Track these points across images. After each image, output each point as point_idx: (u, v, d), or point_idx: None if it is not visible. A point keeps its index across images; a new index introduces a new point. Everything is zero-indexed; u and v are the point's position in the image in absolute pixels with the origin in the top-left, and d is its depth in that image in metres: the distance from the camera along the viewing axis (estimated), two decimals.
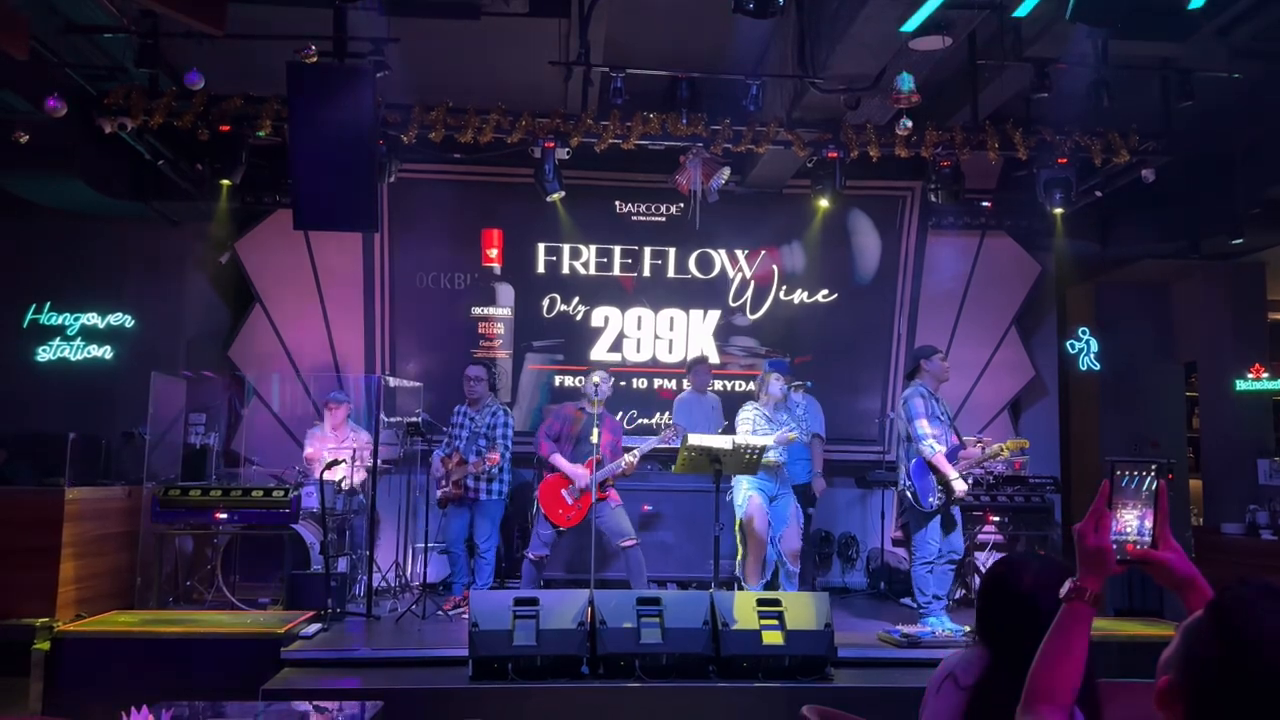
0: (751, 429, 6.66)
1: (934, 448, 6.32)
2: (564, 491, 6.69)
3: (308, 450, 7.71)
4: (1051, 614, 2.09)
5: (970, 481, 6.50)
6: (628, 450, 6.86)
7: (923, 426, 6.38)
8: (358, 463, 7.34)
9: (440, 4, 6.00)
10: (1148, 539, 1.65)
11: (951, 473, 6.29)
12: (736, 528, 6.82)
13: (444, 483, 7.13)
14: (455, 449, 7.18)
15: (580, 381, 7.68)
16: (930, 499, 6.33)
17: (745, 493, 6.69)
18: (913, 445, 6.44)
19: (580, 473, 6.60)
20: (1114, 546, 1.64)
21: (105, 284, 8.59)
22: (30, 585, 6.31)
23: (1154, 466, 1.67)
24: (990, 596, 2.25)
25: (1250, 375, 9.25)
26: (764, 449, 6.40)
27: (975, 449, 6.47)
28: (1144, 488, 1.66)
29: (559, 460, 6.72)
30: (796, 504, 6.88)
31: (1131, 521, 1.66)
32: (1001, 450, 6.39)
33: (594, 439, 6.42)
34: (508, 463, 7.25)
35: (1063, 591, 1.66)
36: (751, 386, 8.12)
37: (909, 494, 6.42)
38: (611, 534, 6.58)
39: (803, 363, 8.74)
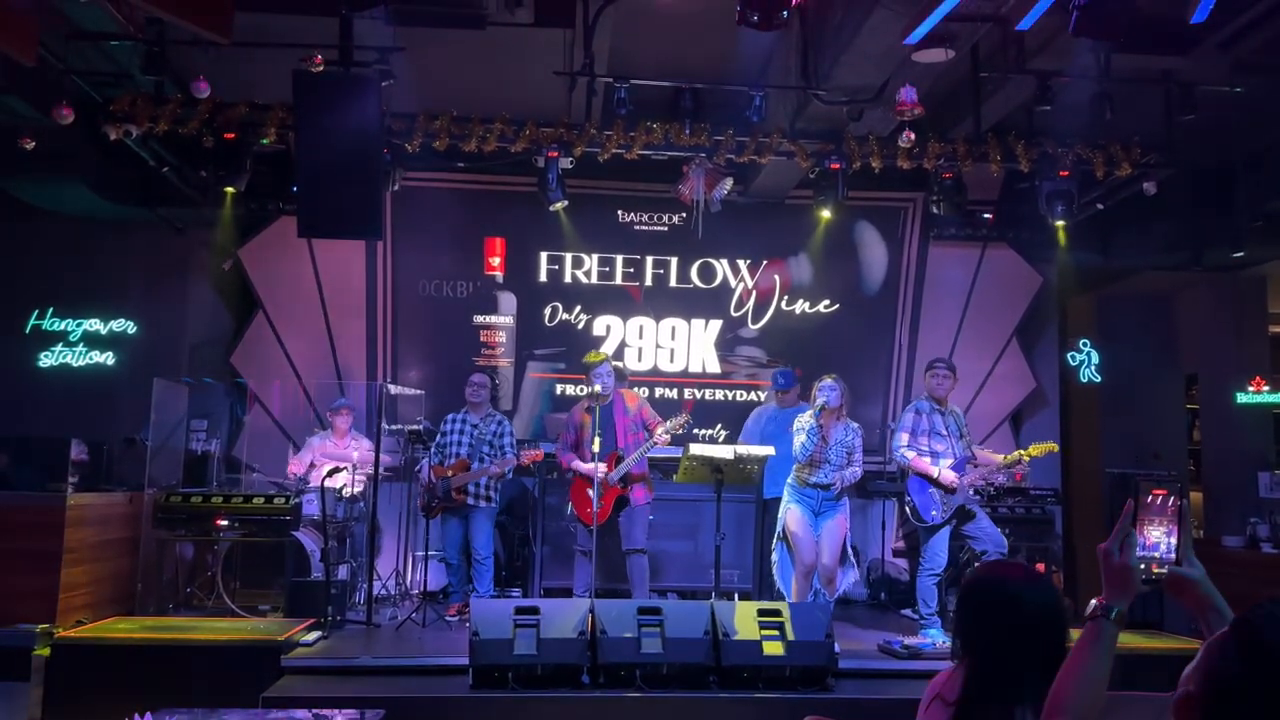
0: (803, 438, 6.31)
1: (906, 456, 6.44)
2: (588, 490, 6.60)
3: (292, 465, 7.70)
4: (1034, 619, 2.07)
5: (971, 491, 6.50)
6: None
7: (900, 439, 6.52)
8: (359, 471, 7.35)
9: (445, 14, 6.01)
10: (1172, 558, 1.66)
11: (931, 470, 6.35)
12: (775, 541, 6.61)
13: (437, 490, 7.12)
14: (456, 455, 7.18)
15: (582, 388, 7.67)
16: (932, 512, 6.34)
17: (785, 505, 6.49)
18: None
19: (589, 469, 6.52)
20: (1140, 565, 1.65)
21: (108, 290, 8.60)
22: (31, 591, 6.29)
23: (1178, 485, 1.68)
24: (971, 605, 2.19)
25: (1251, 388, 9.25)
26: (766, 459, 6.38)
27: (993, 458, 6.50)
28: (1168, 506, 1.67)
29: (576, 464, 6.70)
30: (844, 523, 6.44)
31: (1157, 540, 1.66)
32: (1023, 456, 6.38)
33: (595, 447, 6.42)
34: (511, 470, 7.28)
35: (1088, 610, 1.67)
36: (753, 397, 8.11)
37: (908, 510, 6.45)
38: (622, 537, 6.57)
39: (803, 374, 8.72)
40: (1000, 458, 6.51)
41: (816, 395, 6.36)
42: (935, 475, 6.33)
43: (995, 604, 2.11)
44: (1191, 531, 1.68)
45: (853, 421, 6.55)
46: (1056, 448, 6.64)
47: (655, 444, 6.58)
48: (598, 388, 6.60)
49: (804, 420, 6.40)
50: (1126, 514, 1.67)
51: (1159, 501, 1.68)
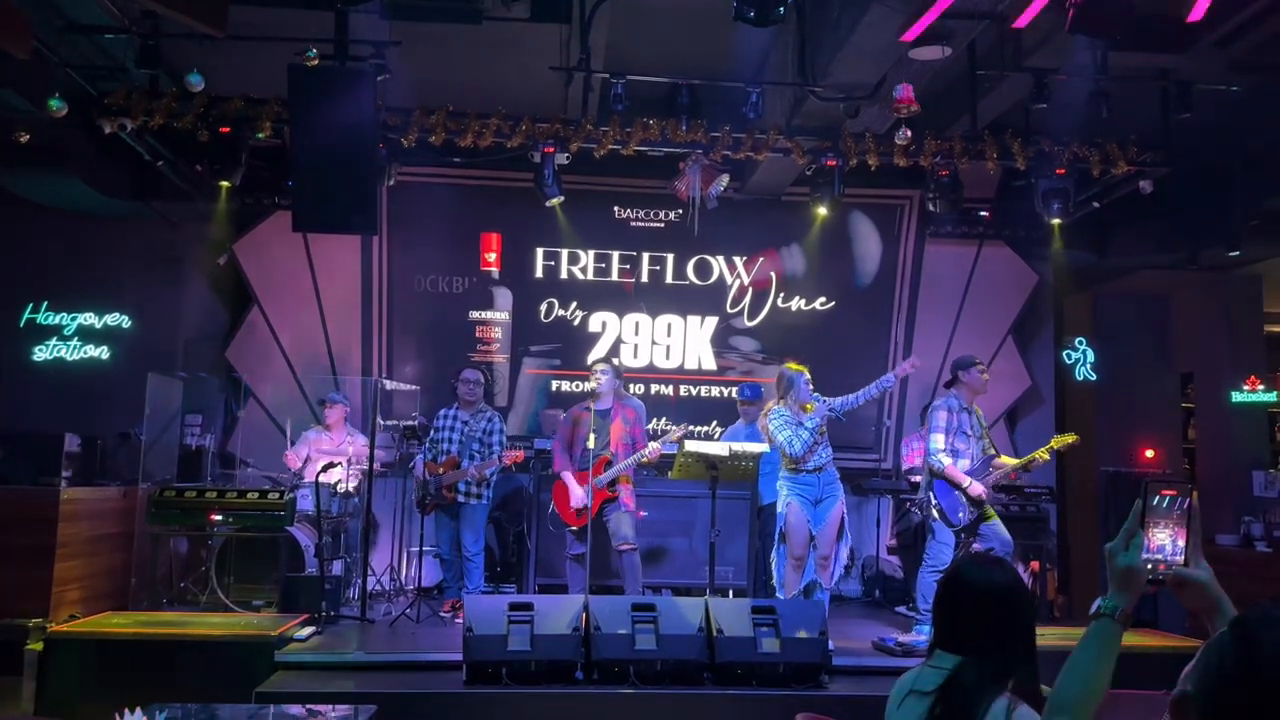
0: (790, 432, 6.27)
1: (942, 461, 6.30)
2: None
3: (289, 457, 7.65)
4: (1017, 606, 2.11)
5: (993, 491, 6.46)
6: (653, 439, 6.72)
7: (937, 440, 6.35)
8: (354, 466, 7.34)
9: (442, 8, 6.01)
10: (1180, 559, 1.65)
11: (963, 480, 6.26)
12: (776, 544, 6.49)
13: (430, 487, 7.11)
14: (446, 452, 7.15)
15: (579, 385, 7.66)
16: (959, 514, 6.29)
17: (784, 499, 6.36)
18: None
19: (579, 492, 6.55)
20: (1145, 565, 1.64)
21: (103, 284, 8.58)
22: (25, 585, 6.30)
23: (1188, 486, 1.67)
24: (954, 599, 2.21)
25: (1246, 387, 9.27)
26: (760, 455, 6.36)
27: (1007, 462, 6.42)
28: (1175, 507, 1.66)
29: (567, 478, 6.69)
30: (842, 509, 6.40)
31: (1164, 541, 1.66)
32: (1042, 454, 6.33)
33: (590, 444, 6.42)
34: (495, 471, 7.26)
35: (1092, 609, 1.67)
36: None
37: (935, 512, 6.35)
38: (611, 535, 6.57)
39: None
40: (1013, 460, 6.44)
41: (795, 392, 6.33)
42: (965, 486, 6.24)
43: (983, 598, 2.15)
44: (1200, 532, 1.68)
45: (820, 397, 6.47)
46: (1077, 438, 6.44)
47: (645, 456, 6.55)
48: (599, 391, 6.60)
49: (776, 419, 6.33)
50: (1134, 514, 1.66)
51: (1166, 503, 1.67)
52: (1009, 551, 6.32)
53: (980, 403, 9.17)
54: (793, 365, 6.50)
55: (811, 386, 6.38)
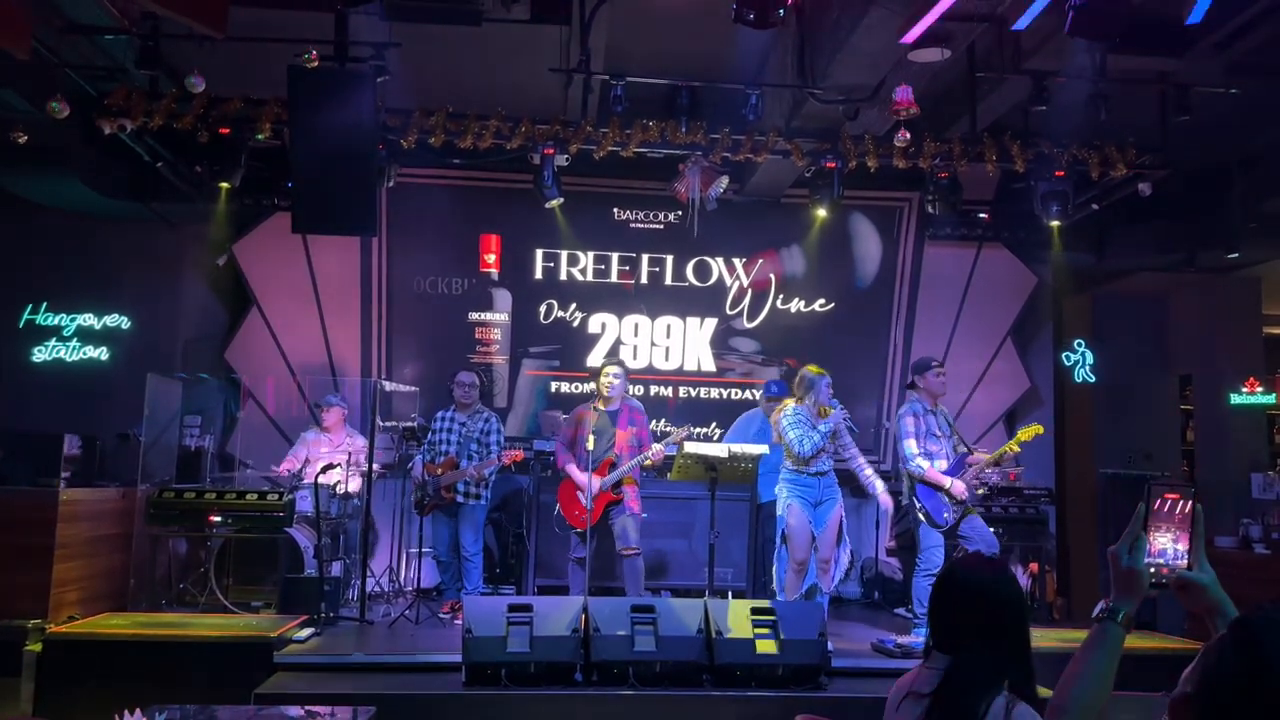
0: (801, 431, 6.27)
1: (921, 466, 6.35)
2: (579, 493, 6.64)
3: (284, 463, 7.62)
4: (1011, 609, 2.12)
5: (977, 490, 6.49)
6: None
7: (909, 446, 6.40)
8: (353, 467, 7.34)
9: (442, 9, 6.01)
10: (1182, 562, 1.66)
11: (944, 481, 6.31)
12: (778, 546, 6.49)
13: (429, 488, 7.10)
14: (444, 454, 7.15)
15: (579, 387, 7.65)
16: (944, 515, 6.32)
17: (785, 501, 6.38)
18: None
19: (583, 481, 6.55)
20: (1148, 568, 1.65)
21: (102, 285, 8.57)
22: (23, 586, 6.29)
23: (1190, 489, 1.68)
24: (947, 599, 2.23)
25: (1245, 389, 9.27)
26: (760, 457, 6.36)
27: (982, 456, 6.47)
28: (1178, 511, 1.66)
29: (571, 470, 6.69)
30: (841, 513, 6.43)
31: (1166, 545, 1.66)
32: (1012, 446, 6.36)
33: (590, 446, 6.42)
34: (494, 470, 7.27)
35: (1095, 611, 1.67)
36: (748, 395, 8.11)
37: (921, 515, 6.38)
38: (616, 539, 6.57)
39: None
40: (987, 455, 6.48)
41: (815, 394, 6.34)
42: (947, 486, 6.29)
43: (975, 597, 2.16)
44: (1204, 535, 1.68)
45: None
46: (1042, 429, 6.57)
47: (649, 458, 6.56)
48: (608, 394, 6.63)
49: (790, 417, 6.35)
50: (1136, 517, 1.67)
51: (1169, 506, 1.67)
52: (994, 549, 6.37)
53: (980, 404, 9.21)
54: (814, 368, 6.51)
55: (832, 391, 6.40)
